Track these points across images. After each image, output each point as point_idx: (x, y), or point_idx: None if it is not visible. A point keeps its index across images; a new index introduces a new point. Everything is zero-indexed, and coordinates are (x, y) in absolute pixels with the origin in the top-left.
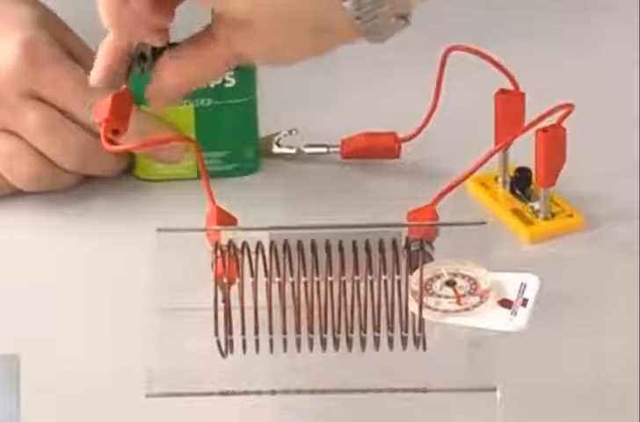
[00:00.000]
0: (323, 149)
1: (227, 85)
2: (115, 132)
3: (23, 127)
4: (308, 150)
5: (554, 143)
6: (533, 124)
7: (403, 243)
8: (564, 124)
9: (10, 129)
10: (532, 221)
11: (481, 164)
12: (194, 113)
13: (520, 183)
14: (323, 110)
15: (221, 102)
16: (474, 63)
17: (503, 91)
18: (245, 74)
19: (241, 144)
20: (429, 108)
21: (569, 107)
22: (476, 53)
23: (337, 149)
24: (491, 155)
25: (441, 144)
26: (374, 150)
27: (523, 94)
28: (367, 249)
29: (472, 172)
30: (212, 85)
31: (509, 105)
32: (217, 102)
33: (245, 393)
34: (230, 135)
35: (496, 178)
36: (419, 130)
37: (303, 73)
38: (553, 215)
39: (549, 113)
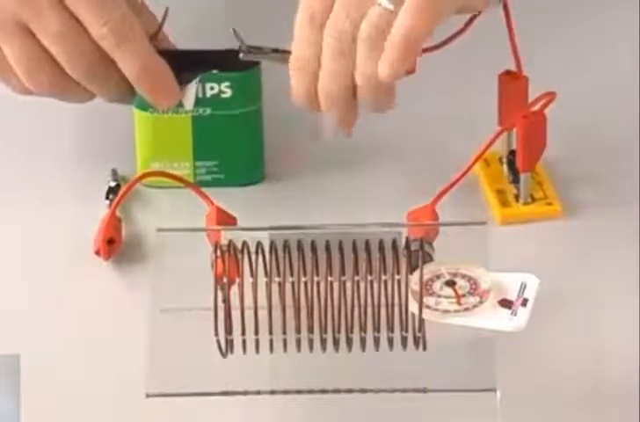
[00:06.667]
0: None
1: (223, 96)
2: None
3: (44, 30)
4: None
5: (533, 129)
6: (520, 114)
7: (403, 243)
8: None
9: (32, 29)
10: (510, 203)
11: (475, 162)
12: (191, 122)
13: (513, 165)
14: None
15: (219, 112)
16: (475, 61)
17: (508, 73)
18: (244, 85)
19: (240, 154)
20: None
21: (551, 95)
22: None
23: None
24: (485, 151)
25: (442, 144)
26: None
27: (526, 78)
28: (367, 249)
29: (468, 170)
30: (209, 95)
31: (513, 88)
32: (216, 112)
33: (245, 393)
34: (229, 145)
35: (500, 159)
36: (438, 47)
37: None
38: (533, 200)
39: (533, 103)
